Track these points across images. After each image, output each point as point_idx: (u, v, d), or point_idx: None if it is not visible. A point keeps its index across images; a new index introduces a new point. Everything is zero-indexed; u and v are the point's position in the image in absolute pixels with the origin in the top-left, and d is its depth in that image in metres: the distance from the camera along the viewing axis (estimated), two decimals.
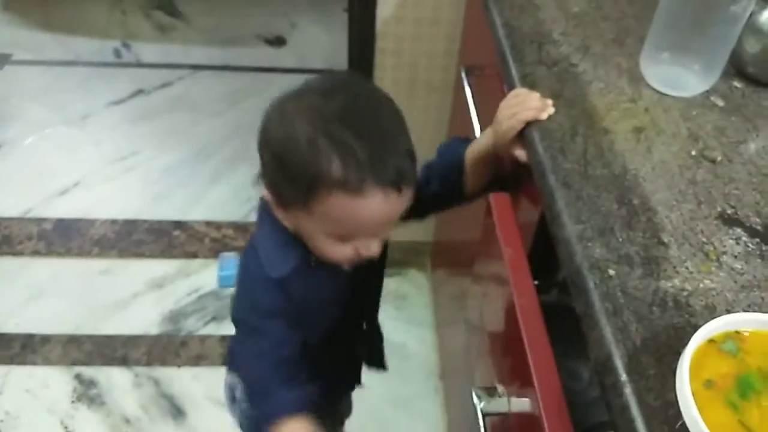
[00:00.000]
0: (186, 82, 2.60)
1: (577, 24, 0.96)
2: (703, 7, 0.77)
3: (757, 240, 0.66)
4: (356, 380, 1.14)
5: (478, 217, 0.93)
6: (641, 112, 0.81)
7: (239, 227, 2.05)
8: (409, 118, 0.77)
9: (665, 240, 0.65)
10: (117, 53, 2.72)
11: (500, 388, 0.76)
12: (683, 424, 0.46)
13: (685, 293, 0.60)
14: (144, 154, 2.30)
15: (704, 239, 0.65)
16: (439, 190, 0.90)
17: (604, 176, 0.72)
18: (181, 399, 1.66)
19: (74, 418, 1.61)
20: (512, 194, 0.85)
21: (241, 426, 0.90)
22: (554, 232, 0.69)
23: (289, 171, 0.73)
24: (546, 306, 0.70)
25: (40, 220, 2.05)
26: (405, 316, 1.85)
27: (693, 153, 0.76)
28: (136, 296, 1.88)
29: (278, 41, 2.82)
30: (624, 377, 0.54)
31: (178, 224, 2.06)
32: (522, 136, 0.81)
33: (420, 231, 1.83)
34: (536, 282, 0.73)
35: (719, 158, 0.75)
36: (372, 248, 0.79)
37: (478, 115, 1.07)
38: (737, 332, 0.52)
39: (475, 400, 0.76)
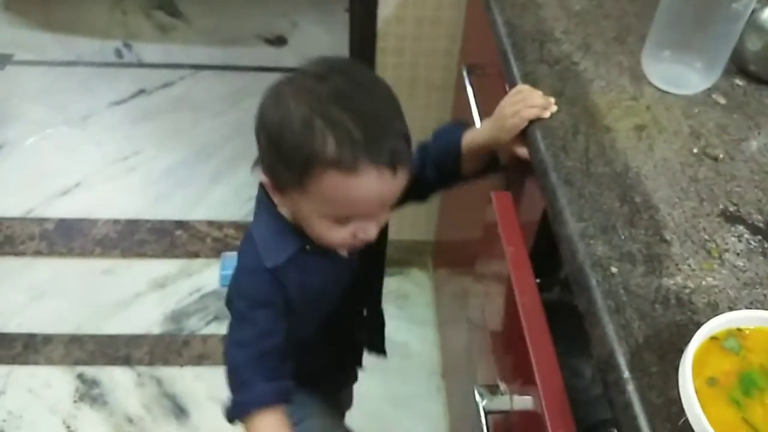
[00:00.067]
0: (187, 82, 2.61)
1: (579, 22, 0.96)
2: (705, 5, 0.77)
3: (760, 237, 0.66)
4: (357, 362, 1.14)
5: (480, 215, 0.93)
6: (643, 110, 0.81)
7: (241, 227, 2.05)
8: (410, 118, 0.77)
9: (667, 237, 0.65)
10: (118, 53, 2.72)
11: (502, 386, 0.76)
12: (686, 421, 0.46)
13: (687, 291, 0.60)
14: (145, 154, 2.30)
15: (706, 237, 0.65)
16: (435, 173, 0.90)
17: (605, 174, 0.72)
18: (183, 398, 1.66)
19: (77, 418, 1.61)
20: (511, 184, 0.85)
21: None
22: (556, 230, 0.69)
23: (284, 152, 0.73)
24: (548, 304, 0.70)
25: (41, 220, 2.05)
26: (407, 315, 1.85)
27: (695, 151, 0.76)
28: (139, 296, 1.89)
29: (279, 41, 2.83)
30: (626, 375, 0.54)
31: (180, 224, 2.07)
32: (524, 133, 0.81)
33: (421, 230, 1.83)
34: (538, 280, 0.73)
35: (721, 156, 0.75)
36: (369, 231, 0.78)
37: (479, 114, 1.07)
38: (739, 329, 0.52)
39: (478, 398, 0.76)
